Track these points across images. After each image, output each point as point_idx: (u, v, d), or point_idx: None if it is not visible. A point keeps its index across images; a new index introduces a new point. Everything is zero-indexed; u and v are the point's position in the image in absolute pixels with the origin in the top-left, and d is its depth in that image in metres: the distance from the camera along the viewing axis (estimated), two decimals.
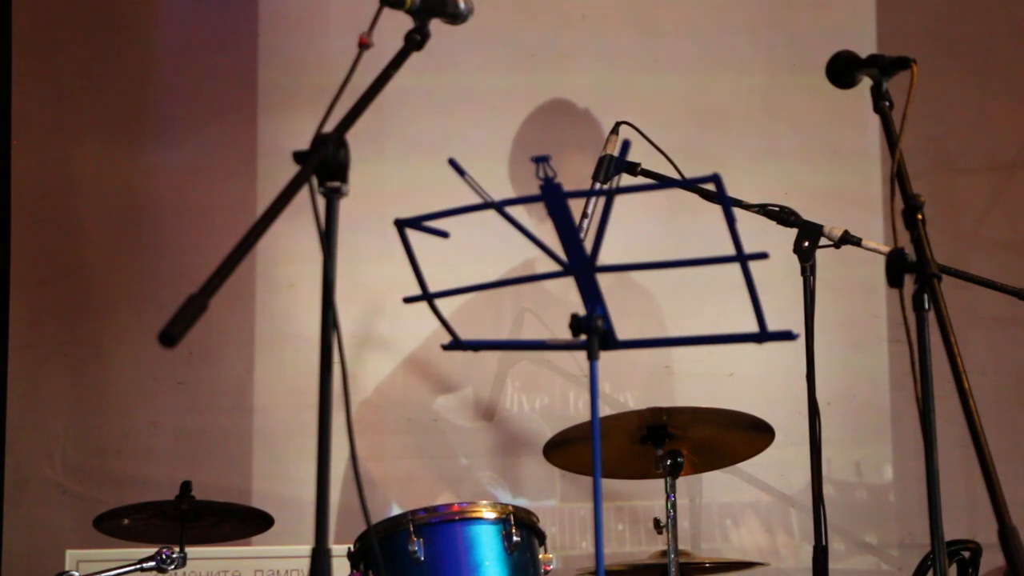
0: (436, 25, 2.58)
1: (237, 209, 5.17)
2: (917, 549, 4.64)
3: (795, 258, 3.71)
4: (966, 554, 3.93)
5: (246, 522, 4.24)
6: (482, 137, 5.22)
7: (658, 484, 3.92)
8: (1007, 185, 5.27)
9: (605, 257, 2.35)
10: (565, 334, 2.40)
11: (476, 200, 2.38)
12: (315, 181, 2.24)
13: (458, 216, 2.38)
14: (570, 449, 3.98)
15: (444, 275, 2.48)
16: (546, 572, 3.69)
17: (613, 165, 3.91)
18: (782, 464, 4.74)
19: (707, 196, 3.68)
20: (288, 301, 5.20)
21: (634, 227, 4.79)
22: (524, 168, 2.41)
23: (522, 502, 4.90)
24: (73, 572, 4.17)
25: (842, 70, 2.91)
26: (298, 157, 2.24)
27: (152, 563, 3.97)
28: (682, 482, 4.09)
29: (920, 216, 2.52)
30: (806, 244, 3.71)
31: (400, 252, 2.45)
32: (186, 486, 4.01)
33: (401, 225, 2.42)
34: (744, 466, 4.66)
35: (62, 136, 5.39)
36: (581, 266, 2.36)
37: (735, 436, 4.00)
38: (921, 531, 4.48)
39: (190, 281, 2.04)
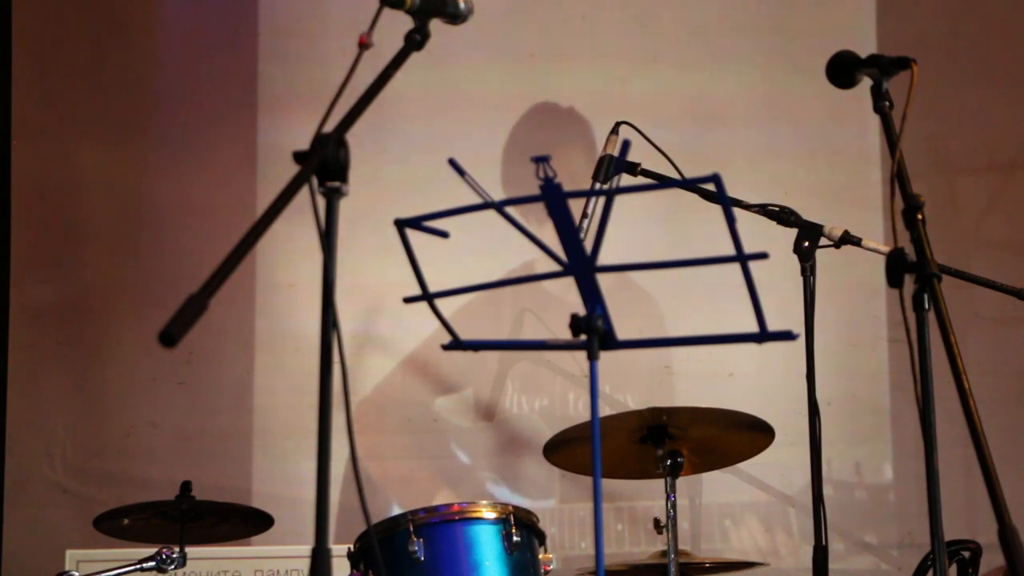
0: (436, 25, 2.58)
1: (237, 209, 5.17)
2: (917, 549, 4.63)
3: (795, 258, 3.71)
4: (966, 554, 3.93)
5: (246, 522, 4.24)
6: (482, 137, 5.21)
7: (658, 485, 3.92)
8: (1007, 185, 5.26)
9: (605, 257, 2.34)
10: (565, 334, 2.40)
11: (476, 200, 2.38)
12: (315, 181, 2.24)
13: (458, 216, 2.38)
14: (570, 449, 3.98)
15: (444, 275, 2.48)
16: (546, 572, 3.69)
17: (613, 165, 3.91)
18: (782, 464, 4.73)
19: (707, 196, 3.67)
20: (288, 301, 5.20)
21: (634, 227, 4.79)
22: (523, 168, 2.41)
23: (522, 502, 4.89)
24: (73, 572, 4.17)
25: (842, 70, 2.91)
26: (298, 157, 2.23)
27: (152, 563, 3.97)
28: (682, 482, 4.08)
29: (920, 216, 2.52)
30: (806, 244, 3.71)
31: (400, 252, 2.45)
32: (186, 486, 4.00)
33: (401, 225, 2.42)
34: (744, 466, 4.65)
35: (62, 136, 5.39)
36: (581, 266, 2.36)
37: (735, 436, 4.00)
38: (921, 531, 4.47)
39: (190, 281, 2.04)
